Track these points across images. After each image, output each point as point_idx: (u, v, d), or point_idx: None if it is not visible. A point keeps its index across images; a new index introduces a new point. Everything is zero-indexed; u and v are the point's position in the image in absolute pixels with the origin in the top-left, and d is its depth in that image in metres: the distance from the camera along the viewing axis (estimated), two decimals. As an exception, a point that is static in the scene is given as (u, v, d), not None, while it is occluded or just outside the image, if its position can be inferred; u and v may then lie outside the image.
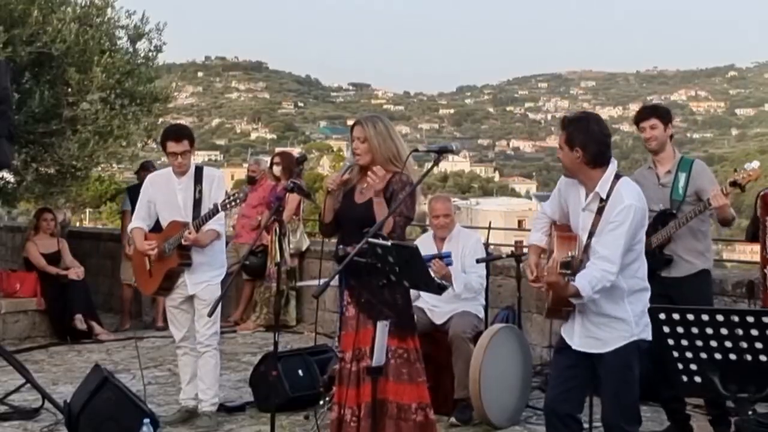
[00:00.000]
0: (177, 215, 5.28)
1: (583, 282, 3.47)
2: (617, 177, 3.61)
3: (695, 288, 4.76)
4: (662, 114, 4.94)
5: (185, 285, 5.32)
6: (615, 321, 3.60)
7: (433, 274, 5.16)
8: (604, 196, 3.58)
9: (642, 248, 3.67)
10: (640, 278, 3.68)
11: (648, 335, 3.52)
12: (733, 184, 4.47)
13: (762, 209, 3.46)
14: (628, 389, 3.62)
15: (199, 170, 5.35)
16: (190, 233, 5.10)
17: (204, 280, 5.31)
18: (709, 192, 4.61)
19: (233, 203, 5.14)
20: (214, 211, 5.10)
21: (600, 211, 3.58)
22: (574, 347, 3.70)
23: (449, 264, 5.40)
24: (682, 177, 4.81)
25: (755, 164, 4.45)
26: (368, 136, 4.20)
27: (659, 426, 5.12)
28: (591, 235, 3.59)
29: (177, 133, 5.35)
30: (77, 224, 18.75)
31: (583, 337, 3.67)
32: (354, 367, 4.16)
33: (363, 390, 4.11)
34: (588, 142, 3.59)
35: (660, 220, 4.78)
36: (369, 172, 4.13)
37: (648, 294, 3.69)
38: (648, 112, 4.98)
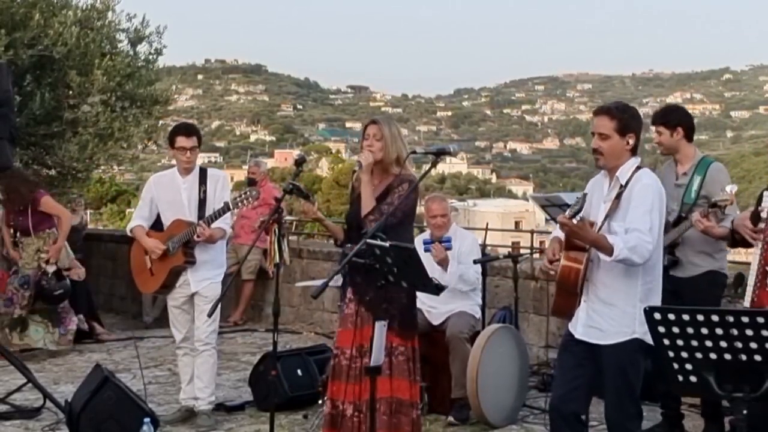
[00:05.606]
0: (181, 214, 5.29)
1: (615, 239, 3.44)
2: (637, 168, 3.64)
3: (701, 288, 4.75)
4: (666, 120, 4.90)
5: (188, 283, 5.33)
6: (620, 314, 3.59)
7: (432, 258, 5.37)
8: (624, 183, 3.61)
9: (659, 250, 3.65)
10: (656, 278, 3.66)
11: (650, 339, 3.49)
12: (714, 205, 4.45)
13: None
14: (629, 386, 3.62)
15: (203, 171, 5.38)
16: (204, 229, 5.12)
17: (207, 277, 5.33)
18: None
19: (245, 202, 5.17)
20: (224, 209, 5.12)
21: (618, 197, 3.59)
22: (577, 336, 3.70)
23: (449, 249, 5.48)
24: (697, 180, 4.78)
25: (735, 188, 4.45)
26: (384, 136, 4.29)
27: (652, 423, 5.15)
28: (606, 218, 3.59)
29: (188, 128, 5.44)
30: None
31: (586, 326, 3.68)
32: (358, 363, 4.21)
33: (365, 386, 4.15)
34: (639, 128, 3.69)
35: (673, 221, 4.79)
36: None
37: (659, 302, 3.65)
38: (654, 118, 4.97)
